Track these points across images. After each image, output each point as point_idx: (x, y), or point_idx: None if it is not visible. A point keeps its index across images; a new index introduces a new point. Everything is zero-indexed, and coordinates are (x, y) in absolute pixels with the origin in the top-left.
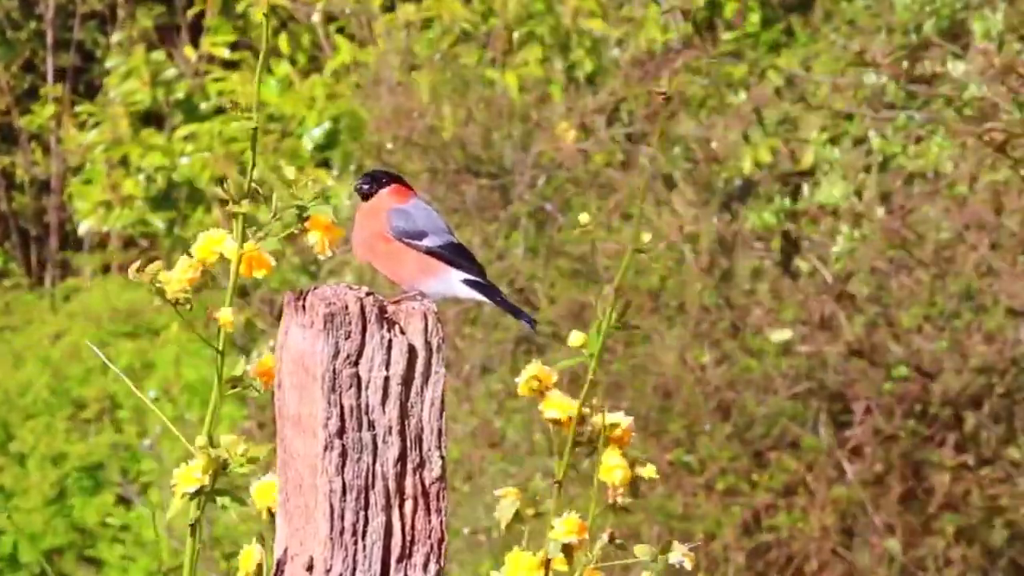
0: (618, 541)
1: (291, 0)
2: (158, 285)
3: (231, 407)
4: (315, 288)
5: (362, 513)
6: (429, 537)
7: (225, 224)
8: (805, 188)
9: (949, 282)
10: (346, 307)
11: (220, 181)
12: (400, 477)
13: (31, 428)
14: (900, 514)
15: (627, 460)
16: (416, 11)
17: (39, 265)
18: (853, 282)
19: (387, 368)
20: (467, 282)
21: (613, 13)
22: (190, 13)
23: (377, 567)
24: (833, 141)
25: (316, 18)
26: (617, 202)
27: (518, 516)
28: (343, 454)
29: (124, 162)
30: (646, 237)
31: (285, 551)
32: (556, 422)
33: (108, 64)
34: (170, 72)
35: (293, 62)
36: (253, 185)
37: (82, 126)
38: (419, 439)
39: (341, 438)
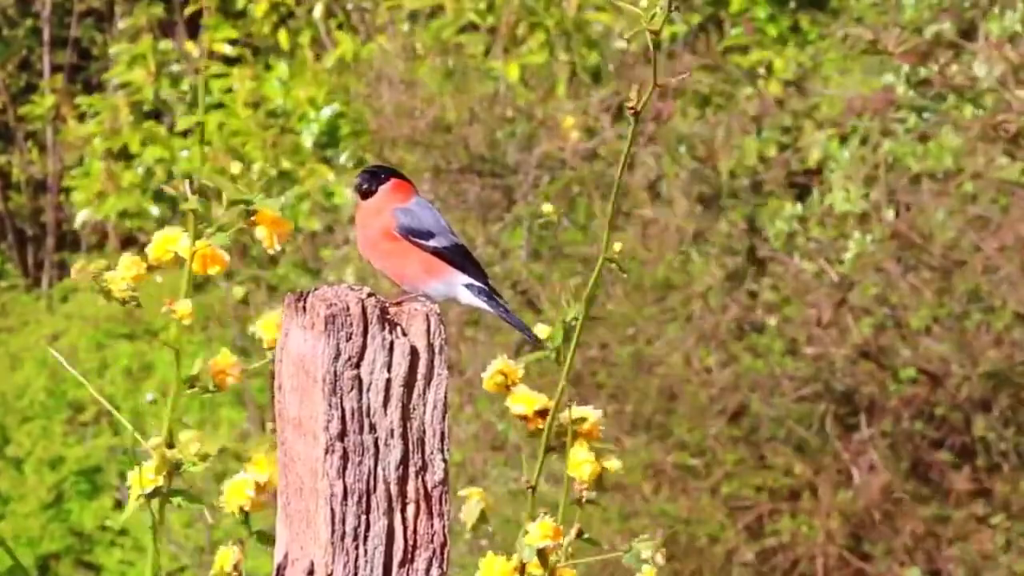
0: (586, 535)
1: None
2: (103, 285)
3: (231, 409)
4: (316, 289)
5: (363, 517)
6: (431, 541)
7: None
8: (815, 192)
9: (957, 283)
10: (347, 308)
11: (168, 178)
12: (402, 481)
13: (28, 431)
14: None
15: (594, 454)
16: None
17: (36, 266)
18: (860, 286)
19: (389, 370)
20: (470, 287)
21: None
22: (187, 11)
23: (379, 572)
24: (842, 140)
25: (317, 13)
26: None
27: (484, 516)
28: (344, 457)
29: (124, 154)
30: (617, 246)
31: (285, 556)
32: (523, 417)
33: (112, 51)
34: (175, 66)
35: (292, 53)
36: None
37: (81, 118)
38: (421, 442)
39: (342, 441)
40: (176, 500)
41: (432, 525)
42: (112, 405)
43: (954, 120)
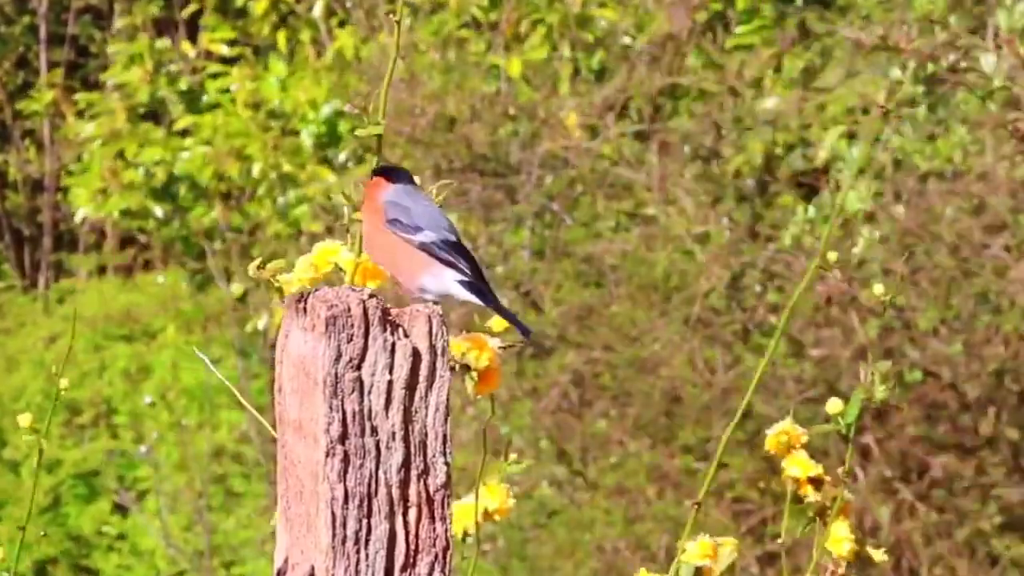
0: None
1: None
2: (277, 284)
3: (230, 411)
4: (316, 290)
5: (365, 521)
6: (434, 546)
7: (224, 221)
8: (826, 193)
9: (965, 284)
10: (348, 309)
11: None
12: (404, 484)
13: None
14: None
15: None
16: None
17: (33, 266)
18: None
19: (390, 372)
20: (462, 283)
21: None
22: (186, 12)
23: None
24: (850, 137)
25: (317, 11)
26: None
27: (699, 574)
28: (345, 460)
29: (121, 156)
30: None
31: (286, 560)
32: (796, 480)
33: (110, 51)
34: (173, 66)
35: (292, 55)
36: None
37: (80, 115)
38: (423, 445)
39: (343, 444)
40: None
41: (434, 529)
42: (109, 408)
43: (963, 116)
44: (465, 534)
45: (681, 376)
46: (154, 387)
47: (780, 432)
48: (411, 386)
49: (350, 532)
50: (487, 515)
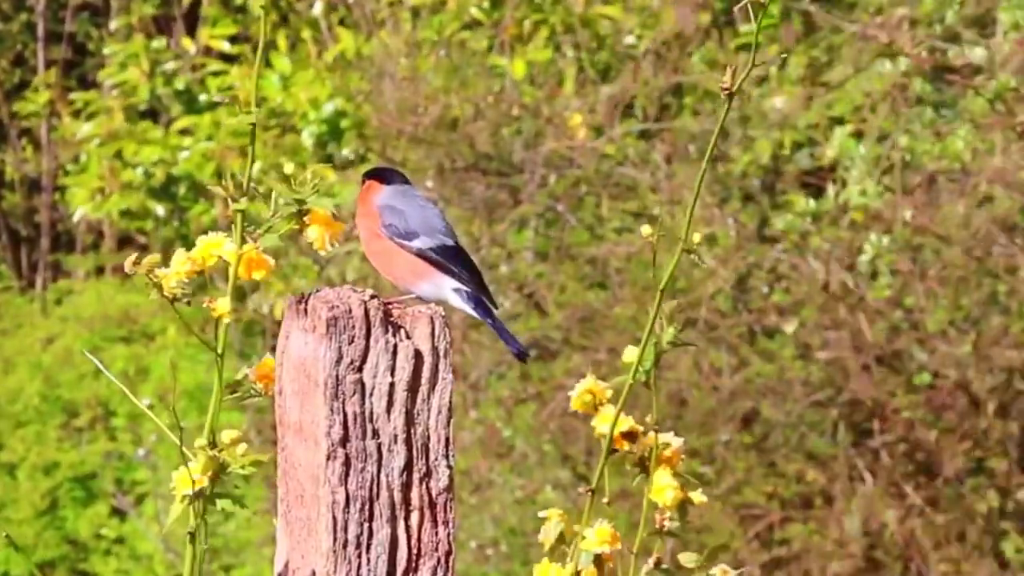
0: (664, 566)
1: None
2: (154, 280)
3: (230, 414)
4: (317, 291)
5: (366, 525)
6: (436, 550)
7: (225, 220)
8: (830, 188)
9: (973, 286)
10: (349, 311)
11: (219, 177)
12: (406, 487)
13: (21, 437)
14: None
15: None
16: None
17: (30, 267)
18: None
19: (392, 374)
20: (458, 292)
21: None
22: (186, 1)
23: None
24: (858, 135)
25: (318, 9)
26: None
27: (562, 537)
28: (346, 463)
29: (120, 156)
30: (695, 237)
31: (286, 565)
32: (606, 438)
33: (106, 51)
34: (170, 65)
35: (293, 48)
36: (251, 182)
37: (76, 115)
38: (425, 448)
39: (344, 447)
40: (221, 504)
41: (437, 533)
42: (107, 410)
43: (971, 116)
44: None
45: (686, 379)
46: (153, 389)
47: (584, 391)
48: (413, 388)
49: (351, 536)
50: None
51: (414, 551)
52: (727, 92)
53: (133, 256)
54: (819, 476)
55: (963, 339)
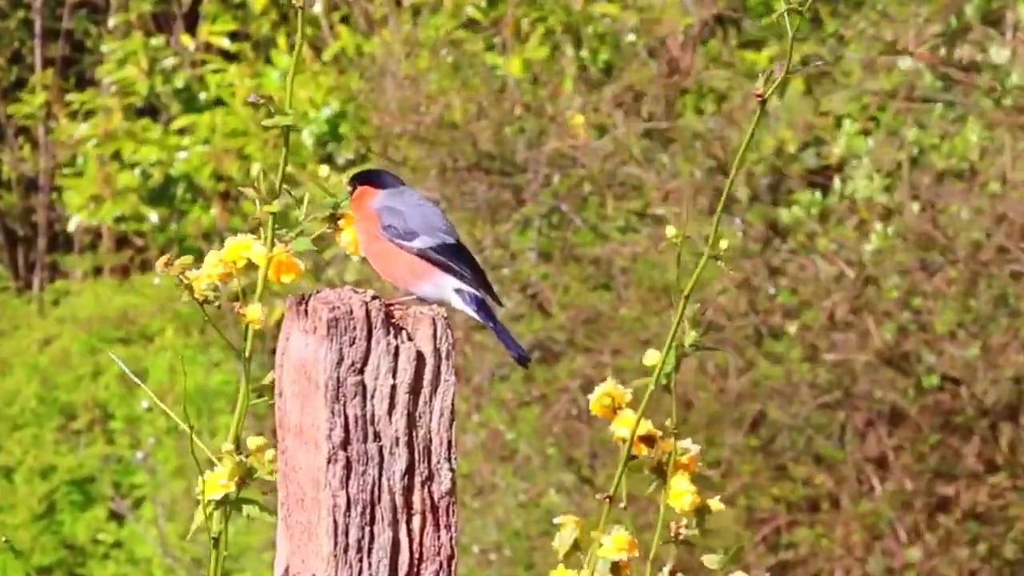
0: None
1: None
2: (186, 282)
3: (229, 416)
4: (318, 292)
5: (367, 529)
6: (438, 554)
7: (223, 222)
8: (836, 181)
9: (982, 287)
10: (351, 312)
11: (217, 179)
12: (408, 491)
13: (18, 439)
14: (928, 526)
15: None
16: None
17: (27, 267)
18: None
19: (394, 376)
20: (460, 292)
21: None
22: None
23: None
24: (865, 133)
25: (318, 8)
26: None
27: (577, 544)
28: (347, 467)
29: (118, 156)
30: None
31: (286, 569)
32: (626, 442)
33: (104, 49)
34: (168, 61)
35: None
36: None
37: (73, 116)
38: (428, 451)
39: (345, 450)
40: (247, 510)
41: (439, 537)
42: (105, 412)
43: (980, 111)
44: None
45: (692, 381)
46: (151, 391)
47: (603, 395)
48: (415, 390)
49: (352, 540)
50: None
51: (416, 555)
52: (760, 100)
53: (165, 257)
54: (826, 479)
55: (971, 341)
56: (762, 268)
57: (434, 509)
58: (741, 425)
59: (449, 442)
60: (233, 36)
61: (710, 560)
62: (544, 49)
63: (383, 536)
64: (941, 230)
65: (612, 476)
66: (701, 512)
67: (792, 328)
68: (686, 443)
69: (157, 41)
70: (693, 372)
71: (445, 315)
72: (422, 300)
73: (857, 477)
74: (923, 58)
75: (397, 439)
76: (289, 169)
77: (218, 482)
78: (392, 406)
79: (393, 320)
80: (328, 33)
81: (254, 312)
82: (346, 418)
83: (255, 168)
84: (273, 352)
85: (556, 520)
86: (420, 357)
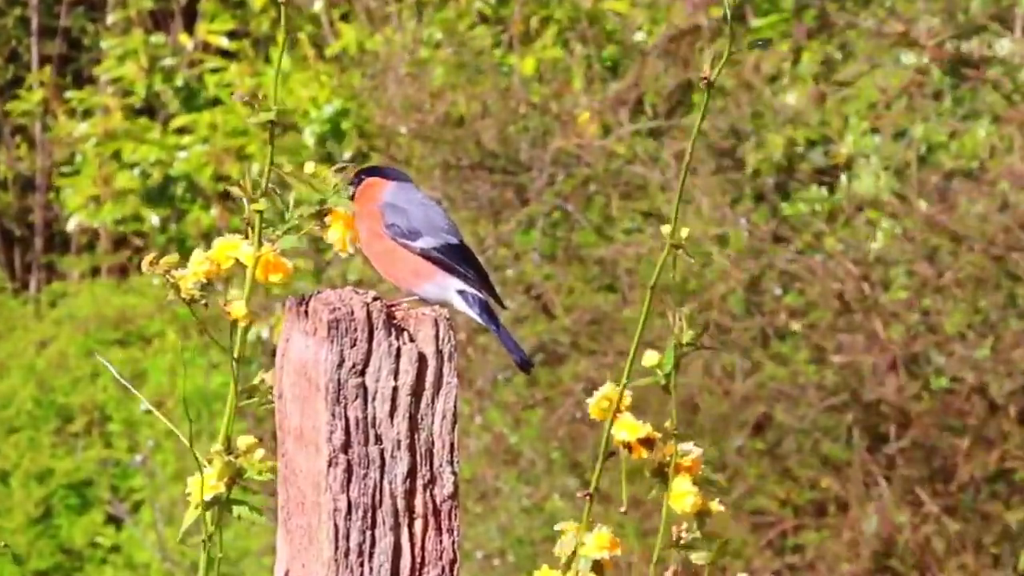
0: None
1: None
2: (171, 280)
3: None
4: (318, 292)
5: (369, 533)
6: (440, 559)
7: (223, 222)
8: (843, 178)
9: (992, 287)
10: (351, 313)
11: (217, 179)
12: (409, 495)
13: (14, 443)
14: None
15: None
16: None
17: (23, 268)
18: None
19: (395, 378)
20: (463, 294)
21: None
22: None
23: None
24: (872, 132)
25: (319, 5)
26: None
27: (599, 567)
28: (348, 470)
29: (116, 156)
30: (684, 232)
31: (286, 574)
32: (626, 445)
33: (103, 45)
34: (168, 60)
35: (293, 46)
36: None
37: (71, 114)
38: (430, 454)
39: (346, 453)
40: (237, 511)
41: (441, 541)
42: (103, 415)
43: (990, 108)
44: None
45: (698, 383)
46: (150, 394)
47: (602, 397)
48: (417, 393)
49: (353, 545)
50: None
51: (418, 560)
52: (706, 83)
53: (150, 256)
54: (833, 483)
55: (982, 342)
56: (768, 268)
57: (436, 513)
58: (747, 427)
59: (451, 445)
60: (232, 35)
61: (697, 557)
62: (557, 49)
63: (384, 540)
64: (951, 229)
65: (615, 480)
66: (702, 515)
67: (797, 326)
68: (688, 446)
69: (157, 39)
70: (699, 374)
71: (448, 316)
72: (424, 301)
73: (864, 480)
74: (934, 52)
75: (399, 442)
76: (289, 168)
77: (208, 483)
78: (394, 408)
79: (395, 321)
80: (329, 31)
81: (239, 309)
82: (347, 421)
83: (255, 168)
84: (274, 354)
85: (558, 527)
86: (422, 359)
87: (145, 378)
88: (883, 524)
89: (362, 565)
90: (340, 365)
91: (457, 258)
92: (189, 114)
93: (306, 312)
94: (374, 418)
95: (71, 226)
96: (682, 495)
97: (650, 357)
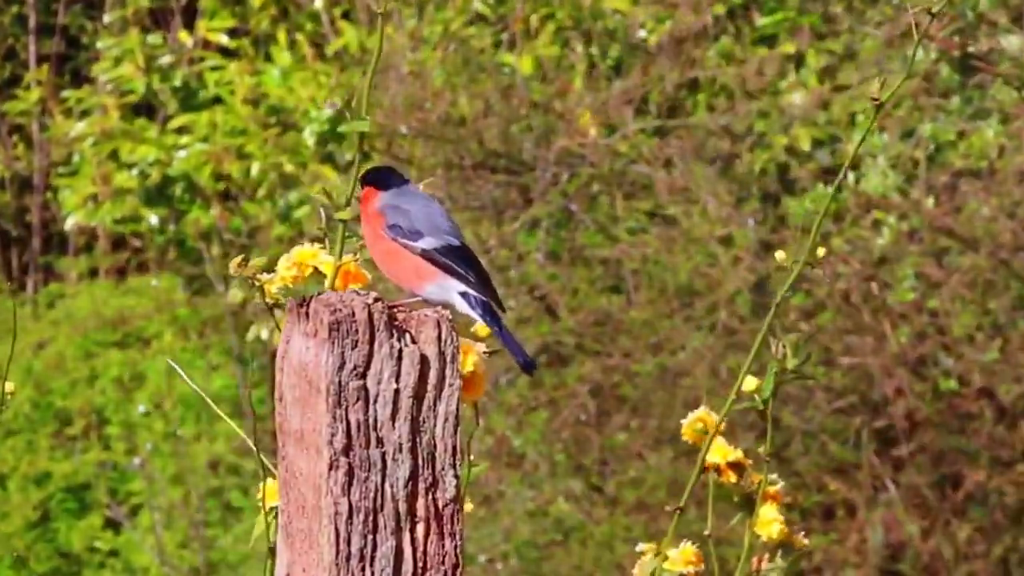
0: None
1: None
2: (258, 283)
3: (228, 422)
4: (319, 293)
5: (370, 537)
6: (443, 563)
7: (223, 222)
8: (850, 176)
9: (1001, 288)
10: (353, 314)
11: (216, 178)
12: (411, 498)
13: (12, 446)
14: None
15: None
16: None
17: (21, 269)
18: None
19: (397, 380)
20: (465, 296)
21: None
22: None
23: None
24: (880, 130)
25: (319, 3)
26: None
27: (655, 574)
28: (349, 473)
29: (114, 156)
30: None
31: None
32: (715, 468)
33: (100, 45)
34: (166, 58)
35: (293, 44)
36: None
37: (68, 113)
38: (432, 457)
39: (347, 456)
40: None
41: (443, 545)
42: (101, 418)
43: (1000, 105)
44: None
45: (704, 385)
46: (148, 396)
47: (696, 419)
48: (419, 395)
49: (354, 549)
50: None
51: (420, 564)
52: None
53: (239, 258)
54: (841, 486)
55: (990, 344)
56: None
57: (438, 516)
58: (753, 430)
59: (454, 448)
60: (232, 32)
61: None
62: (555, 48)
63: (386, 544)
64: (960, 228)
65: (622, 484)
66: (787, 546)
67: (804, 327)
68: (773, 476)
69: (154, 38)
70: (705, 376)
71: (450, 317)
72: (426, 302)
73: (873, 484)
74: (944, 44)
75: (400, 445)
76: (290, 169)
77: (276, 490)
78: (395, 411)
79: (396, 323)
80: (329, 28)
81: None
82: (348, 423)
83: (255, 167)
84: (274, 356)
85: (639, 547)
86: (424, 361)
87: (144, 380)
88: (892, 529)
89: (363, 570)
90: (341, 367)
91: (458, 260)
92: (188, 113)
93: (307, 313)
94: (375, 421)
95: (69, 226)
96: (768, 522)
97: (750, 382)
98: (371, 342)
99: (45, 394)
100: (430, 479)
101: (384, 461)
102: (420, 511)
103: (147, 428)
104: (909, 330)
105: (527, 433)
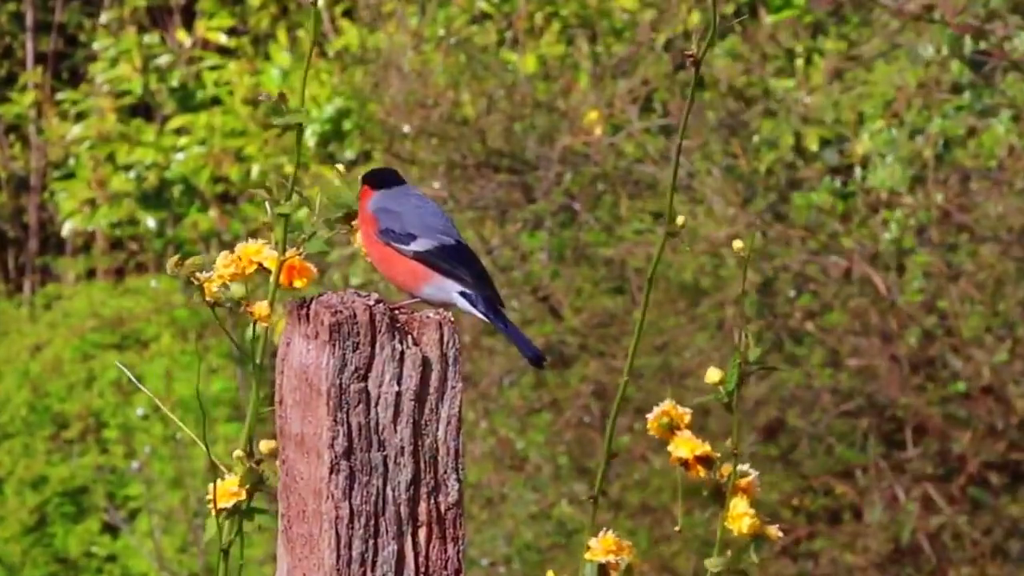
0: None
1: None
2: (197, 282)
3: (227, 424)
4: (320, 295)
5: (371, 542)
6: (445, 568)
7: (222, 225)
8: (857, 171)
9: (1011, 289)
10: (354, 316)
11: (214, 181)
12: (413, 502)
13: (8, 449)
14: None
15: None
16: None
17: (17, 270)
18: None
19: (399, 383)
20: (465, 295)
21: None
22: None
23: None
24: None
25: (320, 1)
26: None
27: (603, 571)
28: (351, 477)
29: (111, 158)
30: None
31: None
32: (683, 462)
33: (96, 46)
34: (163, 59)
35: (293, 44)
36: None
37: (64, 116)
38: (434, 461)
39: (348, 459)
40: (259, 520)
41: (446, 550)
42: (99, 421)
43: (1011, 100)
44: None
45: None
46: (147, 399)
47: (661, 413)
48: (421, 398)
49: (355, 553)
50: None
51: (422, 569)
52: (692, 61)
53: (175, 257)
54: (847, 489)
55: (1000, 346)
56: (782, 270)
57: (440, 521)
58: (759, 432)
59: (456, 451)
60: (231, 32)
61: (711, 563)
62: (560, 46)
63: (387, 549)
64: (970, 225)
65: (626, 487)
66: (759, 538)
67: (810, 326)
68: (745, 467)
69: (151, 38)
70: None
71: (452, 319)
72: (427, 303)
73: (880, 487)
74: (959, 29)
75: (402, 448)
76: (290, 169)
77: (228, 490)
78: (397, 414)
79: (398, 324)
80: (330, 27)
81: (261, 308)
82: (349, 427)
83: (255, 169)
84: (274, 357)
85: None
86: (426, 363)
87: (142, 382)
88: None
89: (364, 575)
90: (342, 370)
91: (452, 258)
92: (185, 115)
93: (307, 315)
94: (377, 424)
95: (66, 231)
96: (740, 516)
97: (713, 374)
98: (372, 344)
99: (42, 397)
100: (432, 483)
101: (386, 465)
102: (422, 515)
103: (145, 432)
104: (918, 331)
105: (530, 435)
